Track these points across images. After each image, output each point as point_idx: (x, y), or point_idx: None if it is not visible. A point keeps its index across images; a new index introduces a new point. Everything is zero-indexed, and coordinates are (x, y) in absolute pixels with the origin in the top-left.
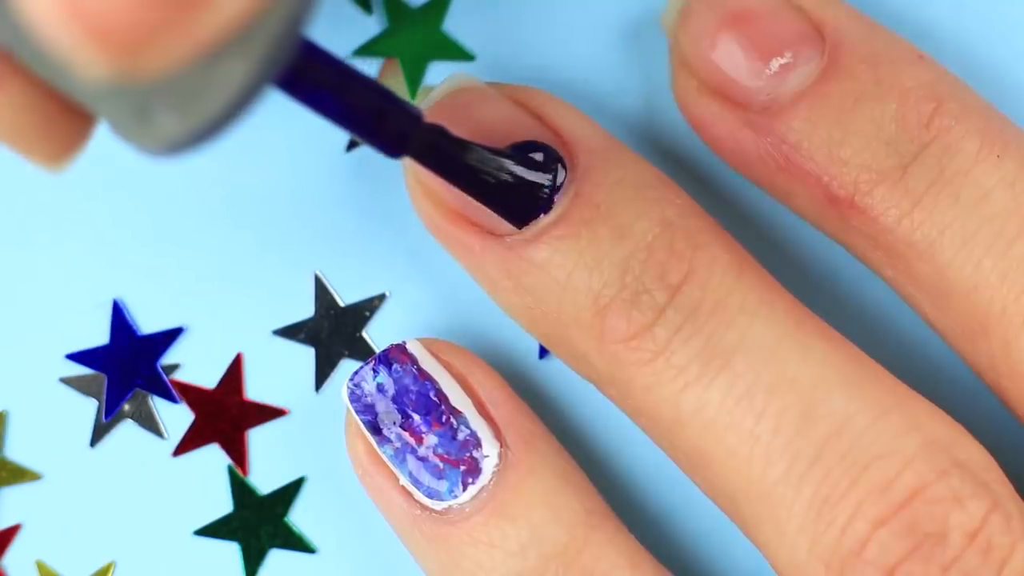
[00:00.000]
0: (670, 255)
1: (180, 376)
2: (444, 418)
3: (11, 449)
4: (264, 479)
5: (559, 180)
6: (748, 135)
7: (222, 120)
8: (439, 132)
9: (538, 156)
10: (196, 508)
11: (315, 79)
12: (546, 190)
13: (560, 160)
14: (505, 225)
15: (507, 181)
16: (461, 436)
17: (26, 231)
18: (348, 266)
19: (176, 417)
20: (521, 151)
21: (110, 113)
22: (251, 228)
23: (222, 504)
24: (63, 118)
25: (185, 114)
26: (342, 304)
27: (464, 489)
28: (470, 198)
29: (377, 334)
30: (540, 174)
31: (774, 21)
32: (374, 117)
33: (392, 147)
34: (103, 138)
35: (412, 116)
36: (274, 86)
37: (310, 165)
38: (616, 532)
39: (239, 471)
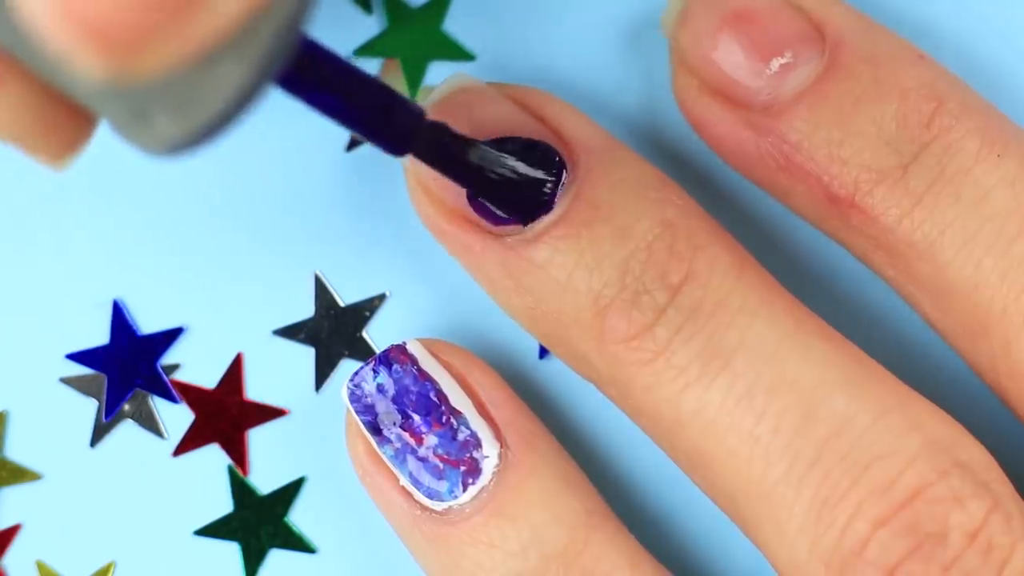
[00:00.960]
0: (670, 255)
1: (180, 376)
2: (444, 419)
3: (11, 449)
4: (264, 479)
5: (562, 178)
6: (749, 135)
7: (221, 122)
8: (442, 129)
9: (538, 154)
10: (196, 508)
11: (317, 78)
12: (549, 186)
13: (560, 160)
14: (508, 224)
15: (511, 178)
16: (461, 437)
17: (27, 231)
18: (348, 266)
19: (176, 417)
20: (521, 148)
21: (109, 113)
22: (251, 228)
23: (222, 504)
24: (65, 117)
25: (184, 116)
26: (342, 304)
27: (464, 489)
28: (468, 198)
29: (377, 334)
30: (542, 171)
31: (774, 21)
32: (377, 115)
33: (395, 145)
34: (104, 139)
35: (415, 113)
36: (275, 85)
37: (310, 165)
38: (616, 532)
39: (239, 471)
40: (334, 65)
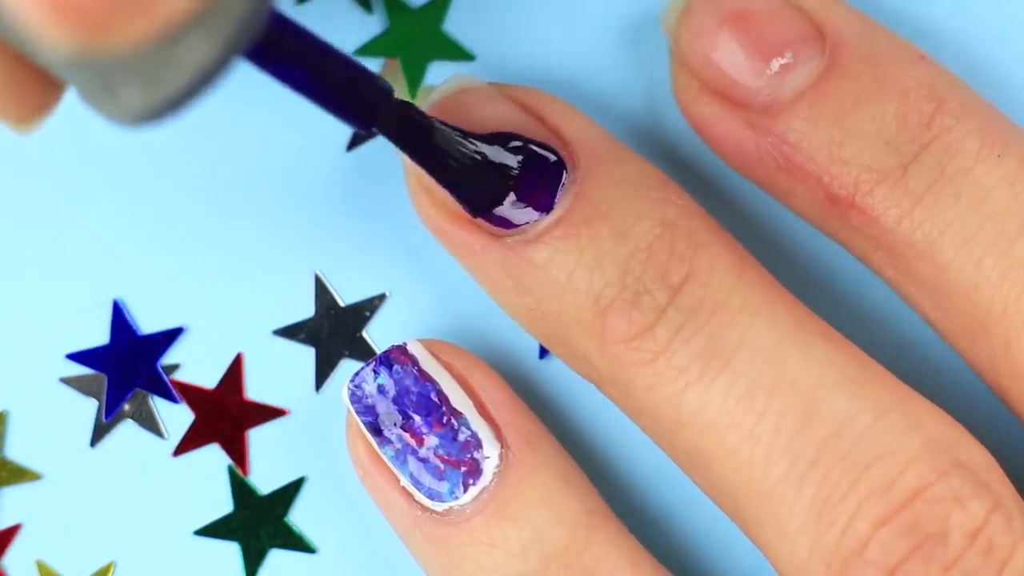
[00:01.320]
0: (671, 255)
1: (180, 376)
2: (445, 419)
3: (11, 449)
4: (264, 479)
5: (562, 179)
6: (748, 135)
7: (187, 95)
8: (408, 107)
9: (515, 143)
10: (196, 508)
11: (284, 51)
12: (514, 171)
13: (561, 160)
14: (509, 226)
15: (469, 165)
16: (462, 437)
17: (26, 231)
18: (348, 266)
19: (176, 417)
20: (500, 140)
21: (76, 82)
22: (251, 228)
23: (222, 504)
24: (32, 81)
25: (150, 89)
26: (342, 304)
27: (465, 490)
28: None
29: (377, 334)
30: (508, 155)
31: (774, 21)
32: (344, 88)
33: (361, 119)
34: (103, 138)
35: (382, 90)
36: (242, 59)
37: (310, 165)
38: (617, 533)
39: (239, 471)
40: (302, 39)
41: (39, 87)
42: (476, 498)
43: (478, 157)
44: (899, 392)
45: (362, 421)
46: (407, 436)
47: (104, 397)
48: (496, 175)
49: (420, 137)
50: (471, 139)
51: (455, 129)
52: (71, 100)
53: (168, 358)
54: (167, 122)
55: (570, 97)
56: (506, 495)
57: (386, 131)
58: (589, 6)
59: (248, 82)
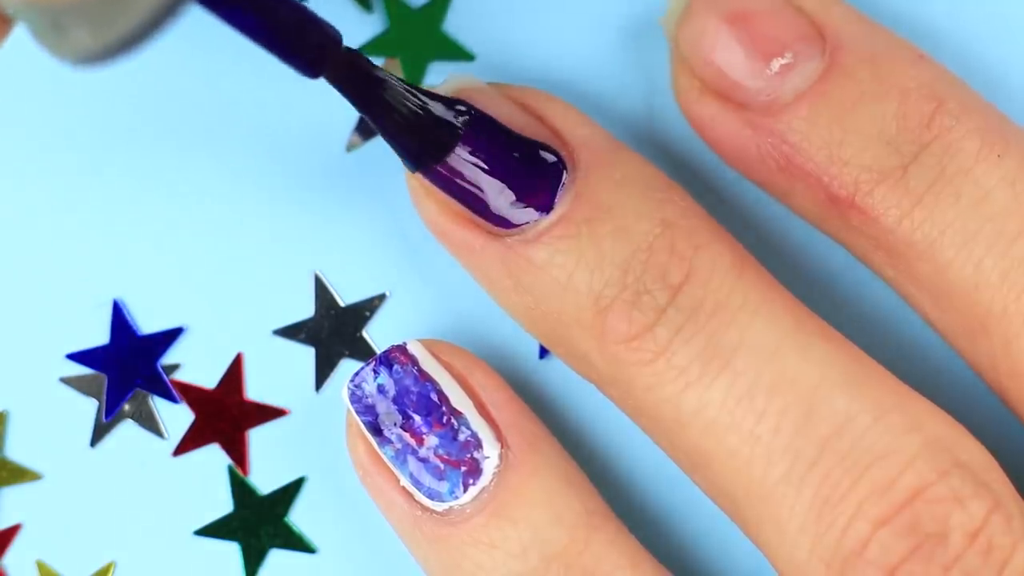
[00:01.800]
0: (671, 255)
1: (180, 376)
2: (445, 419)
3: (11, 449)
4: (264, 479)
5: (562, 178)
6: (749, 135)
7: (136, 38)
8: (357, 56)
9: (461, 107)
10: (196, 508)
11: None
12: (459, 130)
13: (560, 160)
14: (509, 226)
15: (412, 120)
16: (462, 437)
17: (27, 231)
18: (348, 266)
19: (176, 417)
20: (447, 102)
21: (27, 21)
22: (251, 228)
23: (222, 504)
24: None
25: (99, 31)
26: (342, 304)
27: (465, 490)
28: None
29: (377, 334)
30: (453, 114)
31: (775, 21)
32: (293, 33)
33: (308, 66)
34: (104, 138)
35: (331, 37)
36: (192, 2)
37: (310, 165)
38: (617, 533)
39: (239, 471)
40: None
41: None
42: (476, 498)
43: (421, 112)
44: (899, 392)
45: (362, 421)
46: (407, 436)
47: (104, 397)
48: (442, 130)
49: (367, 88)
50: (417, 93)
51: (403, 82)
52: (72, 100)
53: (168, 358)
54: (115, 63)
55: (570, 97)
56: (506, 495)
57: (333, 80)
58: (589, 6)
59: (248, 82)
